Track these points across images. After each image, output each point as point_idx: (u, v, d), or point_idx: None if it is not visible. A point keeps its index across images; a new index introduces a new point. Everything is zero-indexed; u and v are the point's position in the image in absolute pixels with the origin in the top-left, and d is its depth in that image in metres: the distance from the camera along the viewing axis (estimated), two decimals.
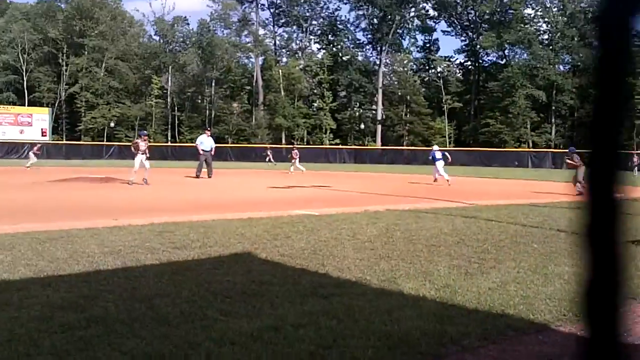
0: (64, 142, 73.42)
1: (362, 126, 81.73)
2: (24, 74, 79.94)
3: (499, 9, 79.45)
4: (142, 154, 21.15)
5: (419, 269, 6.46)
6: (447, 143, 76.05)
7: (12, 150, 61.79)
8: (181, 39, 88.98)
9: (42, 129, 67.98)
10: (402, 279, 5.92)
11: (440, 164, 25.97)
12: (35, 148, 38.56)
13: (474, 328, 4.37)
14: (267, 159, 41.29)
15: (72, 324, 4.27)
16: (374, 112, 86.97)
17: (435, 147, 27.99)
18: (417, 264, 6.77)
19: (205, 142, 27.13)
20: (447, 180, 24.54)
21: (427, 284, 5.76)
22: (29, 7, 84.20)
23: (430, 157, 27.07)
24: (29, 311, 4.56)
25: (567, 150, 19.94)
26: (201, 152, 26.81)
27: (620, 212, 0.77)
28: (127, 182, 20.52)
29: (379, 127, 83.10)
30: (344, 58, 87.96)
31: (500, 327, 4.45)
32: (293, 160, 35.28)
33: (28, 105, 76.11)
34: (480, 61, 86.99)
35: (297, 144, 43.42)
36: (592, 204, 0.77)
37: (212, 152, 27.37)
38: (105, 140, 76.12)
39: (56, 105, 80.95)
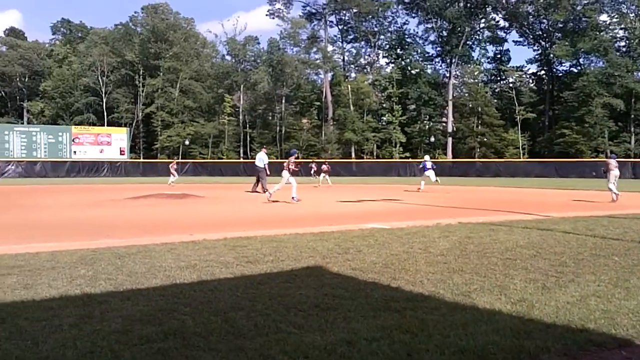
0: (141, 160, 75.62)
1: (432, 139, 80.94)
2: (103, 95, 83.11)
3: (572, 17, 77.43)
4: (290, 172, 21.46)
5: (494, 283, 6.32)
6: (521, 154, 74.46)
7: (93, 168, 64.05)
8: (252, 58, 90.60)
9: (120, 148, 70.19)
10: (477, 293, 5.81)
11: (431, 174, 28.98)
12: (173, 166, 39.74)
13: (553, 343, 4.24)
14: (312, 172, 41.89)
15: (151, 336, 4.36)
16: (444, 124, 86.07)
17: (427, 158, 31.24)
18: (492, 277, 6.63)
19: (264, 158, 27.30)
20: (419, 189, 28.39)
21: (503, 298, 5.63)
22: (107, 32, 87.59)
23: (421, 166, 30.06)
24: (109, 324, 4.69)
25: None
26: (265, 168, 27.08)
27: None
28: (267, 200, 20.93)
29: (450, 140, 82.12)
30: (412, 71, 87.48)
31: (580, 342, 4.31)
32: (323, 174, 37.89)
33: (107, 126, 78.84)
34: (554, 70, 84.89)
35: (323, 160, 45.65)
36: None
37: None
38: (180, 157, 77.97)
39: (133, 124, 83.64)
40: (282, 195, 21.12)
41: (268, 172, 26.96)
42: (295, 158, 21.12)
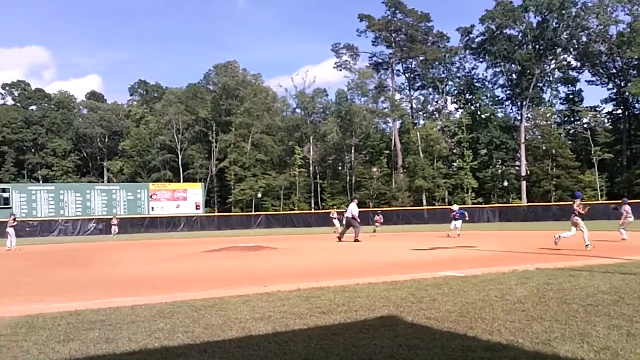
0: (216, 214, 77.07)
1: (505, 183, 79.58)
2: (179, 152, 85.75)
3: None
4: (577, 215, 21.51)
5: (575, 331, 6.12)
6: (599, 196, 72.24)
7: (170, 223, 65.66)
8: (321, 110, 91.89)
9: (196, 203, 71.77)
10: (558, 342, 5.63)
11: (459, 223, 30.59)
12: (113, 221, 43.44)
13: None
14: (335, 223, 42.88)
15: None
16: (517, 168, 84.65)
17: (455, 207, 32.53)
18: (573, 325, 6.41)
19: (353, 209, 29.23)
20: (458, 234, 29.67)
21: (585, 346, 5.44)
22: (182, 92, 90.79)
23: (459, 214, 31.08)
24: None
25: None
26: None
27: None
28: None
29: (524, 184, 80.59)
30: (482, 116, 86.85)
31: None
32: (377, 224, 39.31)
33: (183, 181, 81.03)
34: (630, 109, 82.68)
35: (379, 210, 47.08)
36: None
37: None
38: (253, 210, 79.14)
39: (208, 179, 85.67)
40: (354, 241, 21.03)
41: (359, 220, 29.15)
42: (581, 201, 20.39)
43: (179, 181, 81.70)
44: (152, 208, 69.39)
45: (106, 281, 12.91)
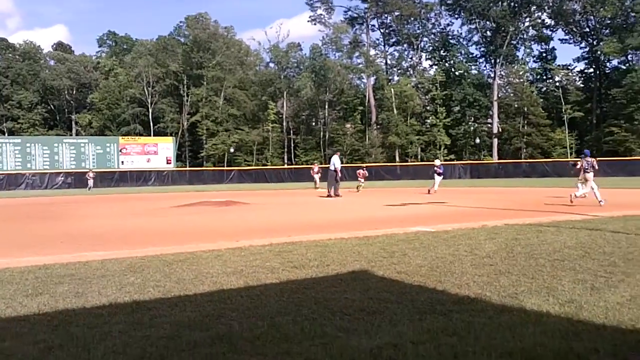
0: (187, 168, 76.68)
1: (478, 140, 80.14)
2: (149, 106, 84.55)
3: (620, 13, 75.85)
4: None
5: (542, 285, 6.24)
6: (569, 154, 73.14)
7: (140, 178, 65.22)
8: (295, 65, 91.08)
9: (167, 157, 71.27)
10: (524, 295, 5.74)
11: (439, 179, 30.55)
12: (89, 174, 43.27)
13: (603, 344, 4.17)
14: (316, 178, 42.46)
15: (199, 341, 4.42)
16: (489, 125, 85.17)
17: (438, 162, 32.65)
18: (540, 279, 6.54)
19: (336, 162, 28.67)
20: (435, 190, 29.54)
21: (551, 299, 5.55)
22: (152, 44, 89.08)
23: (441, 170, 31.27)
24: (158, 330, 4.76)
25: None
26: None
27: None
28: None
29: (495, 141, 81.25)
30: (456, 73, 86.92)
31: (630, 343, 4.23)
32: (361, 179, 37.64)
33: (153, 135, 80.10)
34: (602, 68, 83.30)
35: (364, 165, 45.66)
36: None
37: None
38: (225, 165, 78.86)
39: (179, 134, 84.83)
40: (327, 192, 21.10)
41: (340, 176, 28.43)
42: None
43: (150, 135, 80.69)
44: (122, 162, 68.80)
45: (76, 235, 12.80)
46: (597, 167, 19.59)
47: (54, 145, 67.09)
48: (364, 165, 48.97)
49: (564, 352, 4.01)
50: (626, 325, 4.67)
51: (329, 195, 27.60)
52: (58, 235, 13.02)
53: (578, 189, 21.34)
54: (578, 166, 19.96)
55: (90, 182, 51.24)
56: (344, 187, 30.91)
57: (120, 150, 69.09)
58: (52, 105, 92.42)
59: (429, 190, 29.79)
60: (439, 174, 30.65)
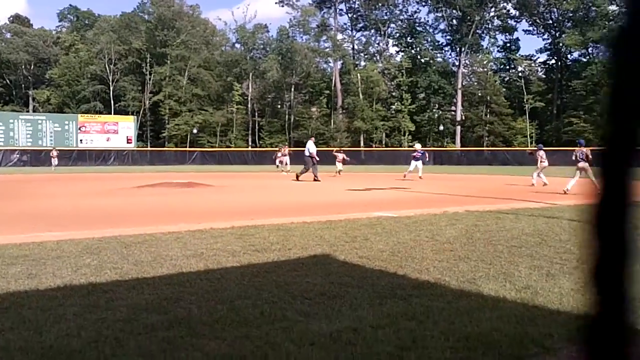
0: (149, 148, 75.84)
1: (441, 127, 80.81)
2: (111, 83, 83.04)
3: (582, 7, 77.00)
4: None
5: (499, 270, 6.34)
6: (529, 143, 74.23)
7: (100, 157, 64.24)
8: (262, 46, 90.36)
9: (127, 137, 70.26)
10: (482, 280, 5.83)
11: (420, 163, 29.90)
12: (53, 153, 41.59)
13: (557, 329, 4.26)
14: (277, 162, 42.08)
15: (156, 325, 4.38)
16: (453, 113, 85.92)
17: (418, 146, 32.27)
18: (497, 265, 6.65)
19: (310, 147, 28.66)
20: (420, 177, 29.10)
21: (508, 285, 5.65)
22: (115, 20, 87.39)
23: (420, 155, 30.88)
24: (114, 313, 4.71)
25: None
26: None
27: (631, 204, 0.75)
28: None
29: (458, 129, 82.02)
30: (422, 60, 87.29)
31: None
32: (339, 163, 36.86)
33: (114, 114, 78.85)
34: (564, 59, 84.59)
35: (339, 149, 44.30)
36: (604, 196, 0.76)
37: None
38: (188, 146, 78.13)
39: (141, 113, 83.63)
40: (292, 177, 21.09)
41: (316, 160, 28.22)
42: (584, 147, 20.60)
43: (110, 113, 79.36)
44: (81, 140, 67.60)
45: (31, 215, 12.58)
46: (590, 157, 19.83)
47: (9, 122, 65.43)
48: (341, 149, 48.57)
49: (520, 336, 4.09)
50: (580, 310, 4.77)
51: (315, 179, 27.30)
52: (13, 214, 12.80)
53: (540, 177, 21.78)
54: (550, 158, 20.25)
55: (55, 161, 50.24)
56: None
57: (80, 129, 67.84)
58: (7, 80, 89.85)
59: (405, 175, 29.31)
60: (416, 159, 30.06)
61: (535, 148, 26.56)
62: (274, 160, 44.60)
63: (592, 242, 0.72)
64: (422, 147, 32.68)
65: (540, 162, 23.98)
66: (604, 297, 0.72)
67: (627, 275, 0.72)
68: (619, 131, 0.76)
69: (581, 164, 19.58)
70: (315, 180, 26.93)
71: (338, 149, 42.85)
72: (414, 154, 30.46)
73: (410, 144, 77.33)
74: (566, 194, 18.50)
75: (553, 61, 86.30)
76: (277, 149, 47.41)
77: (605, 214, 0.74)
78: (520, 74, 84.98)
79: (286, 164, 40.46)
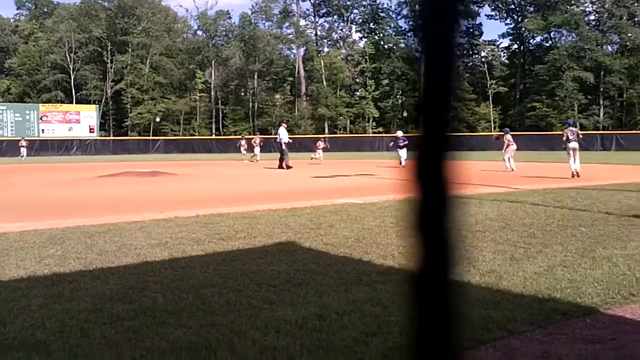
0: (111, 137, 74.87)
1: (405, 114, 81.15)
2: (72, 72, 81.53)
3: None
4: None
5: (463, 255, 6.40)
6: (492, 128, 75.03)
7: (62, 147, 63.19)
8: (224, 33, 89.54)
9: (90, 126, 69.29)
10: None
11: (404, 151, 27.89)
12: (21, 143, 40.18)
13: (520, 313, 4.32)
14: (241, 150, 41.61)
15: (121, 314, 4.36)
16: (416, 99, 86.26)
17: (400, 133, 30.85)
18: (461, 249, 6.70)
19: (282, 133, 28.31)
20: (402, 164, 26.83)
21: (472, 269, 5.71)
22: (74, 8, 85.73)
23: (402, 141, 28.83)
24: (79, 303, 4.67)
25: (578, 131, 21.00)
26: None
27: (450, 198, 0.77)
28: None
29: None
30: (386, 46, 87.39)
31: (546, 311, 4.40)
32: (319, 151, 36.72)
33: (76, 103, 77.55)
34: (526, 44, 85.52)
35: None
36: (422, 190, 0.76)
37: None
38: (151, 135, 77.27)
39: (103, 102, 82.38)
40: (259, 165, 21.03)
41: (284, 148, 27.80)
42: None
43: (72, 103, 78.02)
44: (43, 130, 66.43)
45: None
46: (581, 136, 20.63)
47: None
48: (323, 136, 47.85)
49: (484, 321, 4.13)
50: (543, 294, 4.85)
51: (288, 167, 27.09)
52: None
53: (505, 161, 21.95)
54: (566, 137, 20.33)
55: (24, 151, 49.10)
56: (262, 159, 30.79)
57: (41, 118, 66.68)
58: None
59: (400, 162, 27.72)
60: (400, 147, 28.07)
61: (502, 132, 26.79)
62: (238, 149, 43.96)
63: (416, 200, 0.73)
64: (403, 134, 31.83)
65: (508, 145, 24.18)
66: (426, 251, 0.73)
67: (447, 229, 0.74)
68: (431, 117, 0.78)
69: (572, 145, 19.76)
70: (280, 167, 26.86)
71: (323, 138, 42.43)
72: (398, 142, 29.35)
73: (375, 130, 77.75)
74: (575, 176, 18.96)
75: (516, 46, 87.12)
76: (240, 137, 46.72)
77: (426, 197, 0.76)
78: (483, 59, 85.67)
79: (255, 154, 39.41)
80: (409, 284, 0.76)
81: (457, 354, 0.76)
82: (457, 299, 0.75)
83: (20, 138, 53.58)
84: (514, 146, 24.48)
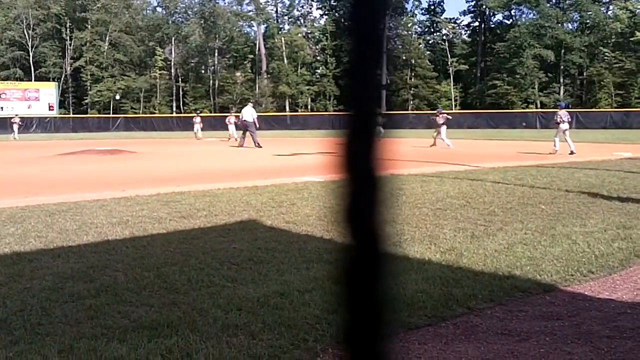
0: (71, 115, 73.54)
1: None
2: (30, 49, 79.67)
3: None
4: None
5: (425, 233, 6.46)
6: (453, 106, 75.65)
7: (21, 125, 61.85)
8: (183, 10, 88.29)
9: (49, 104, 67.88)
10: (408, 243, 5.93)
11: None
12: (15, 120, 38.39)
13: (480, 290, 4.38)
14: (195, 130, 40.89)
15: (82, 293, 4.33)
16: (377, 77, 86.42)
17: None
18: (423, 228, 6.77)
19: (253, 113, 27.71)
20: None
21: (433, 247, 5.77)
22: None
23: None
24: (40, 282, 4.63)
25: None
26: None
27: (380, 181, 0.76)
28: None
29: (383, 93, 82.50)
30: (347, 23, 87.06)
31: (506, 289, 4.46)
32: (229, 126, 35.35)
33: (35, 81, 75.93)
34: (487, 22, 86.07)
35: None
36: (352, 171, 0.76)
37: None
38: (111, 112, 76.17)
39: (62, 79, 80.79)
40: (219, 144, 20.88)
41: (257, 126, 27.34)
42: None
43: (31, 80, 76.41)
44: (2, 108, 64.93)
45: None
46: (570, 119, 21.05)
47: None
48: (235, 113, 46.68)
49: (445, 298, 4.18)
50: (503, 271, 4.92)
51: (240, 146, 26.76)
52: None
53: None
54: (558, 120, 20.71)
55: (16, 129, 47.04)
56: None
57: (0, 96, 65.16)
58: None
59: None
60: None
61: (436, 112, 26.92)
62: (192, 126, 42.74)
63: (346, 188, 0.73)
64: (337, 111, 31.18)
65: (559, 123, 23.51)
66: (358, 231, 0.73)
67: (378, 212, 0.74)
68: (361, 96, 0.77)
69: (564, 126, 20.35)
70: (240, 146, 26.65)
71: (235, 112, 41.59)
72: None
73: (336, 108, 77.76)
74: (573, 154, 19.30)
75: (477, 24, 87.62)
76: (194, 114, 45.61)
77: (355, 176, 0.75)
78: (444, 37, 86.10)
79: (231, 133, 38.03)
80: (339, 262, 0.74)
81: (388, 332, 0.75)
82: (387, 280, 0.74)
83: (13, 115, 51.76)
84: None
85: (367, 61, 0.76)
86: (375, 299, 0.76)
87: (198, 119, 41.26)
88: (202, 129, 41.53)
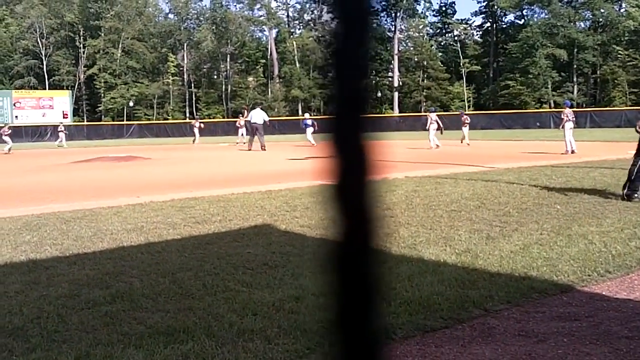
0: (85, 123, 74.01)
1: (379, 94, 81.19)
2: (44, 58, 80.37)
3: None
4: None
5: (440, 235, 6.43)
6: (466, 107, 75.34)
7: (36, 133, 62.39)
8: (195, 16, 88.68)
9: (63, 112, 68.30)
10: (423, 245, 5.90)
11: (310, 131, 28.98)
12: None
13: (497, 291, 4.35)
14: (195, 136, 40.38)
15: (98, 300, 4.34)
16: (390, 79, 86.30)
17: (307, 115, 31.90)
18: (438, 229, 6.74)
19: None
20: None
21: (448, 249, 5.74)
22: None
23: (303, 126, 30.01)
24: (56, 289, 4.65)
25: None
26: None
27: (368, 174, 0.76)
28: None
29: (396, 95, 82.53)
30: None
31: (523, 290, 4.43)
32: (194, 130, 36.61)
33: (49, 89, 76.50)
34: (499, 22, 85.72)
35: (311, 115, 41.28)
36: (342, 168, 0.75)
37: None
38: (125, 119, 76.57)
39: (76, 87, 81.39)
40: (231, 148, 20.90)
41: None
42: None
43: (45, 88, 77.01)
44: (17, 117, 65.43)
45: None
46: (574, 118, 21.21)
47: None
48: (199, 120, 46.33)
49: (461, 300, 4.15)
50: (519, 272, 4.89)
51: (263, 148, 26.94)
52: None
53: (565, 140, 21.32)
54: (566, 118, 20.79)
55: (62, 136, 45.70)
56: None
57: (14, 105, 65.68)
58: None
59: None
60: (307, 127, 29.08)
61: (427, 113, 27.18)
62: (191, 130, 42.31)
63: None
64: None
65: (430, 123, 24.62)
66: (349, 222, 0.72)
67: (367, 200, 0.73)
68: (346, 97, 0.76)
69: (570, 125, 20.49)
70: (249, 150, 26.73)
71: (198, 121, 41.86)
72: (305, 122, 29.71)
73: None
74: (574, 153, 19.47)
75: (488, 24, 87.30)
76: (193, 120, 45.33)
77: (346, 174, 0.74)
78: (456, 38, 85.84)
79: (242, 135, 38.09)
80: (327, 258, 0.74)
81: (377, 332, 0.74)
82: (377, 277, 0.73)
83: (58, 124, 51.87)
84: (435, 125, 24.65)
85: (352, 39, 0.75)
86: (365, 286, 0.75)
87: (197, 124, 40.87)
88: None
